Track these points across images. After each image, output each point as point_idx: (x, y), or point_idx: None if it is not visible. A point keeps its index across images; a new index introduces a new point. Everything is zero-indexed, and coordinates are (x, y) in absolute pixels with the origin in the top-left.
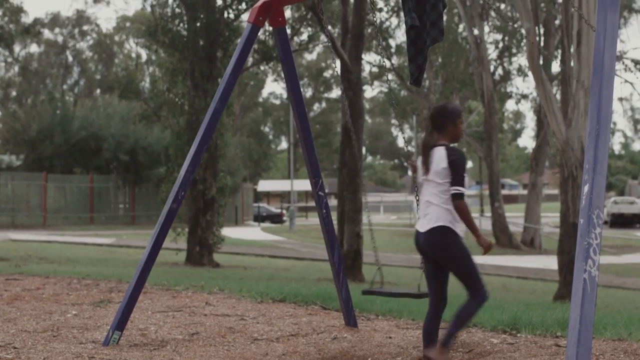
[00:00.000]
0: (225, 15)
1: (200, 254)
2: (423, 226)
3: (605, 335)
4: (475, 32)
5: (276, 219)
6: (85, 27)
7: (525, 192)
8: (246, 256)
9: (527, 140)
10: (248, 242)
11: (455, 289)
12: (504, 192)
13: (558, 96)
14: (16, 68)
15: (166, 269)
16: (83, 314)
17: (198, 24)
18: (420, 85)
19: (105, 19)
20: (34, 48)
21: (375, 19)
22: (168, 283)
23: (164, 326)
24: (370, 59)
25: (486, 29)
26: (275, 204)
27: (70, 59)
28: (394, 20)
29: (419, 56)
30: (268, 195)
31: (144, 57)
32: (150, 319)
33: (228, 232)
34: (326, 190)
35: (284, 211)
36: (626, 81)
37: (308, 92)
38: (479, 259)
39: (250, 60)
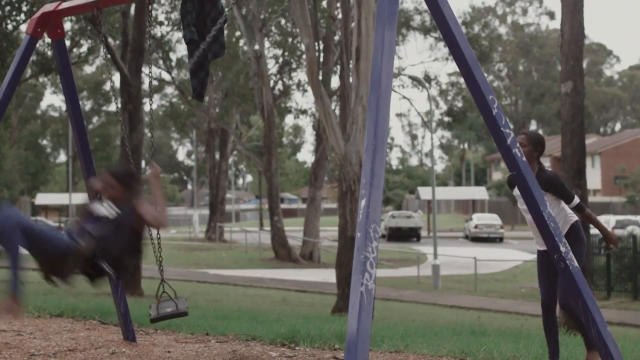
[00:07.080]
0: (3, 26)
1: None
2: None
3: (383, 347)
4: (256, 46)
5: None
6: None
7: (304, 206)
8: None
9: (306, 155)
10: (25, 256)
11: None
12: (283, 206)
13: (337, 111)
14: None
15: None
16: None
17: None
18: (202, 99)
19: None
20: None
21: (155, 32)
22: None
23: None
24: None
25: (267, 43)
26: (53, 218)
27: None
28: (176, 34)
29: (201, 71)
30: (46, 209)
31: None
32: None
33: None
34: None
35: (62, 225)
36: (404, 97)
37: (87, 105)
38: (258, 273)
39: (28, 71)
